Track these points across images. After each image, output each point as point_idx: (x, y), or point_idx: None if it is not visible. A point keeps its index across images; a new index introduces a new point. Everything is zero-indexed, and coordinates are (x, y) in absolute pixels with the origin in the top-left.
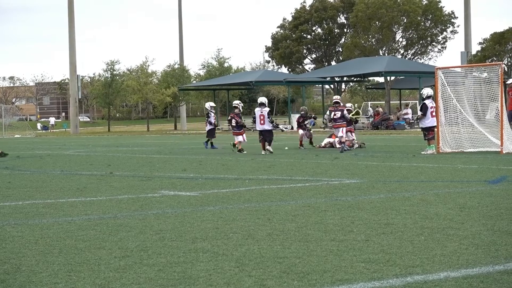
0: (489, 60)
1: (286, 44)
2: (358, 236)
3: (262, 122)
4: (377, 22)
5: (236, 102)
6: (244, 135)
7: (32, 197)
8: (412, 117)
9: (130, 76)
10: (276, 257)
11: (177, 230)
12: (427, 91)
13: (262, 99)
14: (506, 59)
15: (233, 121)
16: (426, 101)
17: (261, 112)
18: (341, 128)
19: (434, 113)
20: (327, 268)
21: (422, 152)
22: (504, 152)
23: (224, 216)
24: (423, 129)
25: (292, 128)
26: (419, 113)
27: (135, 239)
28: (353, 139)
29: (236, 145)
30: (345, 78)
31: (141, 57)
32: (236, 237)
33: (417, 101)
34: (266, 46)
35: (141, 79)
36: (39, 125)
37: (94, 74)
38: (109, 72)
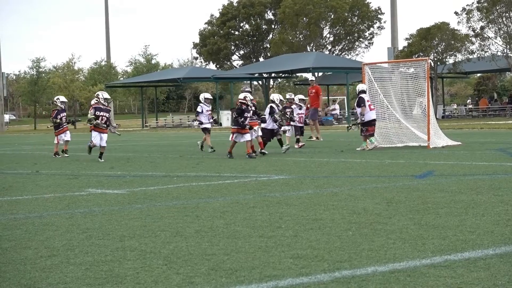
0: (416, 56)
1: (214, 41)
2: (287, 232)
3: None
4: (304, 18)
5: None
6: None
7: None
8: (340, 112)
9: (56, 73)
10: (204, 254)
11: (104, 229)
12: (362, 86)
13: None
14: (432, 54)
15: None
16: (362, 95)
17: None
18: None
19: (372, 106)
20: (255, 264)
21: (357, 148)
22: (431, 146)
23: (152, 214)
24: (363, 124)
25: (220, 124)
26: (358, 108)
27: (62, 238)
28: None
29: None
30: (273, 74)
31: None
32: (164, 235)
33: (345, 97)
34: (193, 42)
35: (67, 76)
36: None
37: (19, 71)
38: (34, 69)
